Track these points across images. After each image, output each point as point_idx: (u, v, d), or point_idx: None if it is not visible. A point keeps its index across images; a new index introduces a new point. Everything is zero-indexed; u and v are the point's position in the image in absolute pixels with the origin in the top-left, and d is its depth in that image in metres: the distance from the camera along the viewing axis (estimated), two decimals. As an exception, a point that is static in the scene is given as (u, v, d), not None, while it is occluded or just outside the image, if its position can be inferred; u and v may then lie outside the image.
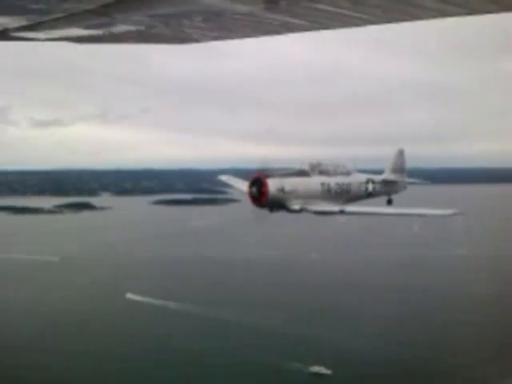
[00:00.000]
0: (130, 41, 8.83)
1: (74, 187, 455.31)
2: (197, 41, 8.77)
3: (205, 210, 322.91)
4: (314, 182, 26.22)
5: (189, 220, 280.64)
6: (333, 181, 27.08)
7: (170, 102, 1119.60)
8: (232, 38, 8.94)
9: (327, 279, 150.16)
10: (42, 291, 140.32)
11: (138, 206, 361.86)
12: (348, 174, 28.49)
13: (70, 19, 7.27)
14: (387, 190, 31.96)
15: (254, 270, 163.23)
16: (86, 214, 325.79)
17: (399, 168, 34.21)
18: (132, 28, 7.72)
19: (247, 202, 24.96)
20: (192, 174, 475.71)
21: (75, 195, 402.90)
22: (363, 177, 29.86)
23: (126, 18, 7.45)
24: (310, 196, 25.67)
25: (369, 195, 29.95)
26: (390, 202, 32.04)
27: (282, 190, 24.59)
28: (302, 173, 26.17)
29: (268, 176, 24.53)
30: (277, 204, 24.92)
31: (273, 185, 24.35)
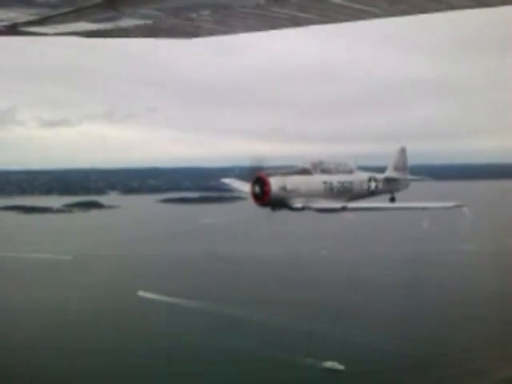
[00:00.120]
0: (138, 35, 8.85)
1: (82, 186, 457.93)
2: (204, 35, 8.77)
3: (212, 208, 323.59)
4: (316, 180, 26.37)
5: (197, 218, 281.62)
6: (335, 179, 27.24)
7: (176, 101, 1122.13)
8: (240, 32, 8.94)
9: (338, 276, 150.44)
10: (59, 289, 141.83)
11: (146, 204, 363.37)
12: (350, 172, 28.63)
13: (78, 13, 7.29)
14: (390, 187, 31.93)
15: (264, 267, 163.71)
16: (94, 213, 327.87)
17: (401, 166, 34.28)
18: (140, 22, 7.74)
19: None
20: (199, 173, 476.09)
21: (83, 194, 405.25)
22: (365, 175, 29.92)
23: (134, 12, 7.46)
24: (312, 194, 25.85)
25: (371, 193, 29.99)
26: (392, 200, 31.92)
27: (284, 188, 24.79)
28: (304, 171, 26.34)
29: (270, 175, 24.76)
30: (279, 202, 25.11)
31: (275, 183, 24.55)
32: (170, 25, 7.94)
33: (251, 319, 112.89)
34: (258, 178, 24.70)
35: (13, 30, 7.65)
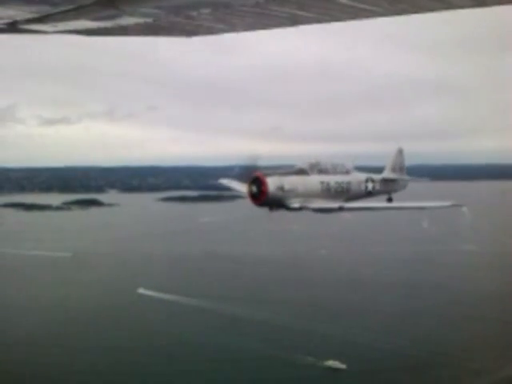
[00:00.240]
0: (138, 33, 8.86)
1: (81, 184, 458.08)
2: (204, 33, 8.78)
3: (211, 207, 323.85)
4: (314, 180, 26.52)
5: (196, 217, 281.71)
6: (332, 179, 27.41)
7: (176, 100, 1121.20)
8: (239, 31, 8.95)
9: (338, 275, 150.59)
10: (59, 286, 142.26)
11: (146, 202, 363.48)
12: (347, 172, 28.80)
13: (78, 11, 7.30)
14: (387, 188, 32.09)
15: (264, 266, 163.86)
16: (94, 211, 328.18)
17: (399, 167, 34.46)
18: (140, 20, 7.75)
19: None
20: (198, 171, 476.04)
21: (82, 192, 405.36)
22: (363, 175, 30.07)
23: (134, 10, 7.47)
24: (310, 194, 25.97)
25: (368, 194, 30.10)
26: (390, 201, 32.06)
27: (281, 188, 24.91)
28: (301, 171, 26.46)
29: (267, 175, 24.87)
30: (276, 202, 25.23)
31: (272, 183, 24.67)
32: (169, 23, 7.96)
33: (251, 318, 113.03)
34: (255, 177, 24.77)
35: (13, 27, 7.66)
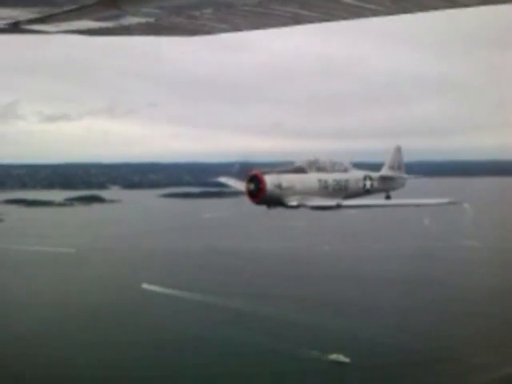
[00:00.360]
0: (140, 33, 8.85)
1: (83, 181, 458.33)
2: (207, 33, 8.77)
3: (213, 203, 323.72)
4: (311, 178, 26.57)
5: (198, 213, 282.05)
6: (330, 177, 27.44)
7: (177, 97, 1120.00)
8: (242, 30, 8.93)
9: (341, 271, 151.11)
10: (66, 281, 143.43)
11: (147, 199, 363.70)
12: (346, 170, 28.85)
13: (80, 11, 7.30)
14: (385, 186, 32.08)
15: (267, 261, 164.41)
16: (96, 207, 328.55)
17: (397, 164, 34.45)
18: (142, 20, 7.74)
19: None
20: (199, 168, 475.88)
21: (84, 188, 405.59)
22: (361, 173, 30.08)
23: (136, 10, 7.46)
24: (308, 192, 26.03)
25: (366, 192, 30.10)
26: (388, 199, 31.95)
27: (279, 186, 24.97)
28: (299, 169, 26.53)
29: (265, 173, 24.93)
30: (274, 200, 25.29)
31: (270, 181, 24.73)
32: (171, 23, 7.95)
33: (255, 313, 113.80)
34: (253, 175, 24.84)
35: (15, 28, 7.66)
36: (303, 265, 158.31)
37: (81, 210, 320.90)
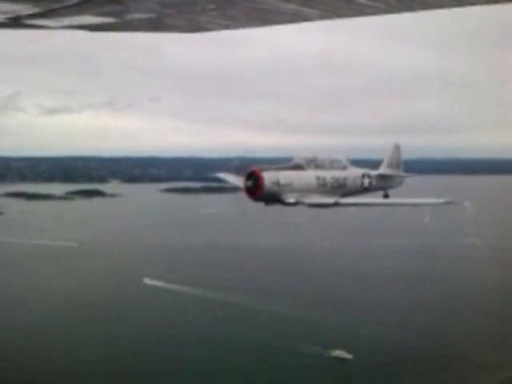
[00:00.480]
0: (142, 29, 8.82)
1: (83, 174, 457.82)
2: (208, 29, 8.74)
3: (214, 198, 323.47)
4: (309, 175, 26.52)
5: (199, 208, 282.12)
6: (328, 175, 27.39)
7: (178, 91, 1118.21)
8: (244, 27, 8.90)
9: (342, 267, 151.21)
10: (68, 276, 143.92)
11: (148, 193, 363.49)
12: (344, 168, 28.78)
13: (82, 7, 7.27)
14: (383, 184, 32.06)
15: (267, 257, 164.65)
16: (96, 201, 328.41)
17: (395, 163, 34.42)
18: (144, 16, 7.71)
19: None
20: (199, 163, 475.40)
21: (84, 182, 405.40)
22: (359, 171, 30.04)
23: (138, 6, 7.43)
24: (305, 189, 26.01)
25: (365, 190, 30.07)
26: (386, 197, 31.97)
27: (277, 183, 24.93)
28: (297, 166, 26.48)
29: (263, 169, 24.89)
30: (272, 197, 25.27)
31: (268, 178, 24.69)
32: (174, 19, 7.92)
33: (256, 308, 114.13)
34: (251, 172, 24.81)
35: (16, 22, 7.62)
36: (303, 261, 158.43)
37: (81, 203, 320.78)
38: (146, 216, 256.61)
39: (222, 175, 34.25)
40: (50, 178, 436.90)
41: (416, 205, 26.94)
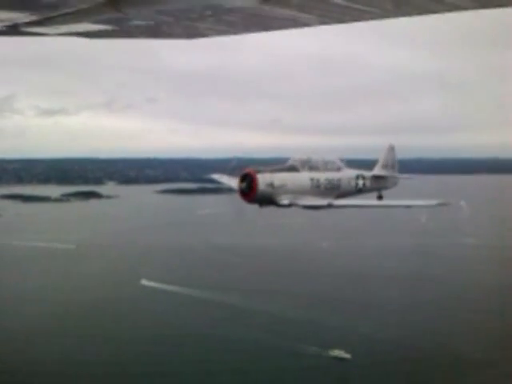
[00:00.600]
0: (140, 36, 8.81)
1: (79, 176, 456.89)
2: (206, 35, 8.74)
3: (210, 199, 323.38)
4: (304, 177, 26.57)
5: (195, 209, 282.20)
6: (322, 176, 27.44)
7: (175, 92, 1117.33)
8: (241, 33, 8.91)
9: (338, 268, 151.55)
10: (66, 277, 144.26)
11: (145, 194, 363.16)
12: (338, 169, 28.82)
13: (79, 14, 7.26)
14: (377, 185, 32.17)
15: (264, 258, 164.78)
16: (93, 203, 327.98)
17: (390, 164, 34.53)
18: (141, 23, 7.71)
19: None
20: (196, 164, 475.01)
21: (81, 184, 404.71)
22: (353, 173, 30.08)
23: (136, 14, 7.43)
24: (300, 191, 26.06)
25: (359, 191, 30.17)
26: (380, 198, 32.10)
27: (271, 185, 24.97)
28: (291, 168, 26.56)
29: (258, 171, 24.92)
30: (266, 199, 25.31)
31: (262, 180, 24.73)
32: (171, 25, 7.92)
33: (254, 309, 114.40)
34: (245, 174, 24.86)
35: (14, 30, 7.61)
36: (301, 262, 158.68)
37: (78, 205, 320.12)
38: (143, 217, 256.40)
39: (216, 176, 34.28)
40: (46, 179, 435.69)
41: (408, 206, 27.04)
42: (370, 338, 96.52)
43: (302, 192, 26.11)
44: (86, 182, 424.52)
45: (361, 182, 30.07)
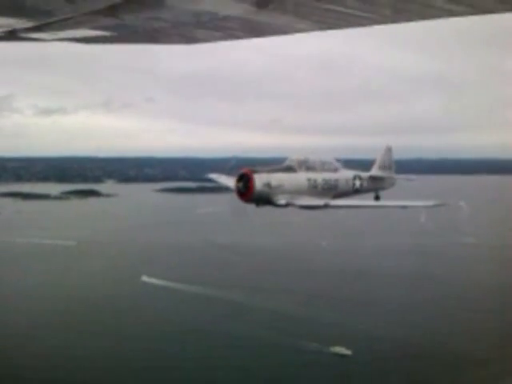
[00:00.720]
0: (138, 41, 8.83)
1: (78, 174, 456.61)
2: (203, 41, 8.75)
3: (209, 198, 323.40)
4: (301, 177, 26.59)
5: (195, 207, 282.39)
6: (319, 177, 27.45)
7: (174, 92, 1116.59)
8: (238, 39, 8.93)
9: (338, 266, 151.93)
10: (68, 274, 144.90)
11: (144, 193, 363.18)
12: (335, 170, 28.85)
13: (77, 20, 7.27)
14: (375, 186, 32.22)
15: (264, 256, 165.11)
16: (92, 201, 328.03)
17: (387, 165, 34.57)
18: (139, 29, 7.73)
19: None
20: (195, 163, 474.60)
21: (80, 182, 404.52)
22: (350, 173, 30.12)
23: (134, 20, 7.45)
24: (297, 191, 26.06)
25: (356, 191, 30.15)
26: (377, 199, 32.18)
27: (268, 185, 24.96)
28: (288, 168, 26.58)
29: (255, 171, 24.92)
30: (263, 199, 25.30)
31: (259, 180, 24.71)
32: (169, 32, 7.95)
33: (255, 306, 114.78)
34: (242, 174, 24.89)
35: (12, 35, 7.62)
36: (301, 260, 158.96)
37: (77, 203, 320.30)
38: (142, 216, 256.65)
39: (214, 176, 34.23)
40: (45, 178, 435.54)
41: (405, 207, 27.12)
42: (370, 336, 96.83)
43: (299, 192, 26.14)
44: (85, 180, 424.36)
45: (358, 183, 30.09)
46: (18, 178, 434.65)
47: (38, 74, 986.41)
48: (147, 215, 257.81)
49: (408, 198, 27.73)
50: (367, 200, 31.02)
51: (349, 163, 31.47)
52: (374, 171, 33.50)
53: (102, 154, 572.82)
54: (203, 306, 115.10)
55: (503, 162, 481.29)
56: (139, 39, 8.52)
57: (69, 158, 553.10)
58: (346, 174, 29.56)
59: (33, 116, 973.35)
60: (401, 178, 35.90)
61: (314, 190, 26.90)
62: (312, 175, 27.07)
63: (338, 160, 29.96)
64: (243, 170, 25.04)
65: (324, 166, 28.11)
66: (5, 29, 7.37)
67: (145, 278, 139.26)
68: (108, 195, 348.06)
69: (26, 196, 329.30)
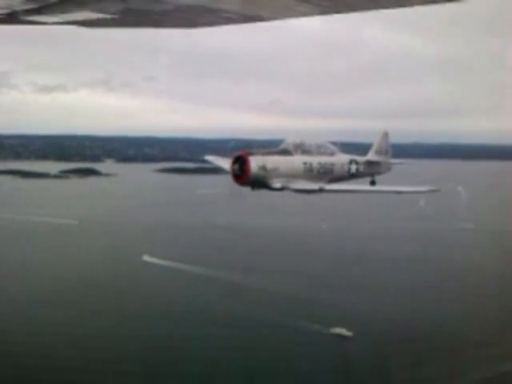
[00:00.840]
0: (138, 25, 8.72)
1: (77, 153, 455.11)
2: (204, 25, 8.66)
3: (210, 179, 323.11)
4: (297, 160, 26.43)
5: (195, 188, 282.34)
6: (315, 160, 27.25)
7: (175, 71, 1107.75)
8: (241, 22, 8.83)
9: (339, 249, 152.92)
10: (71, 252, 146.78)
11: (143, 173, 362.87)
12: (331, 154, 28.65)
13: (79, 2, 7.16)
14: (371, 171, 31.99)
15: (264, 237, 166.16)
16: (92, 180, 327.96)
17: (384, 149, 34.32)
18: (141, 13, 7.63)
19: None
20: (195, 143, 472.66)
21: (79, 161, 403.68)
22: (346, 157, 29.88)
23: (136, 3, 7.35)
24: (292, 175, 25.93)
25: (352, 176, 30.02)
26: (373, 183, 32.01)
27: (263, 168, 24.81)
28: (284, 151, 26.36)
29: (251, 154, 24.74)
30: (258, 182, 25.18)
31: (255, 163, 24.54)
32: (170, 16, 7.85)
33: (256, 287, 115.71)
34: (238, 156, 24.70)
35: (12, 18, 7.51)
36: (302, 242, 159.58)
37: (77, 182, 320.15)
38: (142, 196, 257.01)
39: (210, 158, 34.00)
40: (44, 156, 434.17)
41: (400, 192, 27.04)
42: (370, 317, 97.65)
43: (295, 176, 25.99)
44: (84, 159, 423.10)
45: (354, 167, 29.90)
46: (17, 155, 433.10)
47: (37, 51, 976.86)
48: (147, 195, 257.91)
49: (406, 182, 27.69)
50: (363, 185, 30.94)
51: (347, 147, 31.30)
52: (371, 156, 33.25)
53: (101, 133, 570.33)
54: (204, 286, 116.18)
55: (503, 148, 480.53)
56: (140, 23, 8.40)
57: (68, 136, 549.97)
58: (342, 158, 29.34)
59: (32, 93, 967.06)
60: (397, 163, 35.84)
61: (309, 173, 26.75)
62: (308, 159, 26.88)
63: (335, 144, 29.73)
64: (239, 153, 24.85)
65: (320, 150, 27.92)
66: (5, 10, 7.26)
67: (146, 257, 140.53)
68: (107, 174, 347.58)
69: (26, 174, 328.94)
